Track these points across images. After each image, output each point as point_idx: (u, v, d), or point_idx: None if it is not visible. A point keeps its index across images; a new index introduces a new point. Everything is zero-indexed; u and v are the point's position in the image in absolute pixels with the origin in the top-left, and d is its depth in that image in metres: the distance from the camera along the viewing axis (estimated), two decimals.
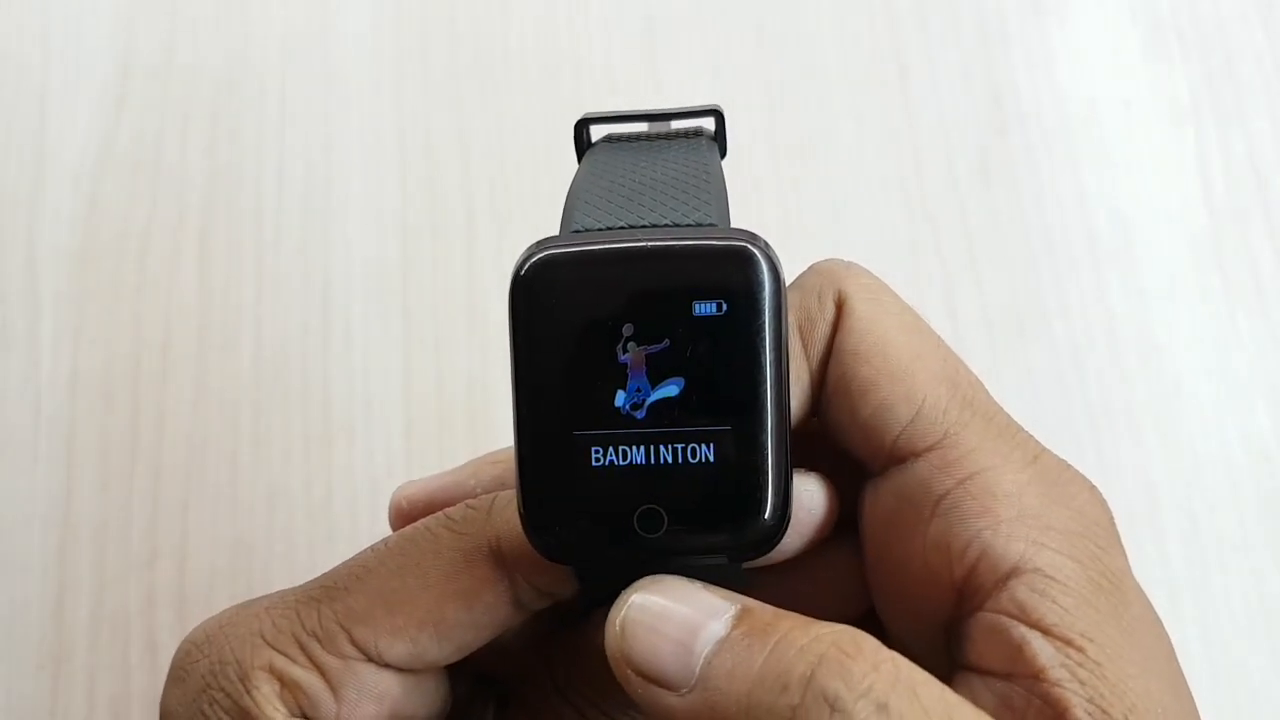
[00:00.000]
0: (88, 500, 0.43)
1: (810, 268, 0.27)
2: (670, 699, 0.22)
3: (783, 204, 0.48)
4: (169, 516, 0.43)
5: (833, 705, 0.20)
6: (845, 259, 0.27)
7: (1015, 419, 0.26)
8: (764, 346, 0.22)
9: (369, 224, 0.47)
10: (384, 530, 0.44)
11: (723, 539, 0.23)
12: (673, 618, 0.22)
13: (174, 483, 0.44)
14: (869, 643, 0.21)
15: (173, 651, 0.43)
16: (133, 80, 0.49)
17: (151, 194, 0.47)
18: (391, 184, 0.48)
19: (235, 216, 0.47)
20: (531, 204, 0.48)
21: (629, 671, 0.22)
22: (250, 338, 0.45)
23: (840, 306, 0.26)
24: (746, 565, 0.24)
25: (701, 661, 0.22)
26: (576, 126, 0.28)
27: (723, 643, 0.22)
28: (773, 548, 0.23)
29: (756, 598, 0.23)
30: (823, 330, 0.26)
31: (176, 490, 0.43)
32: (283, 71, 0.49)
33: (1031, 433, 0.26)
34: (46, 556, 0.43)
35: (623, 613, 0.23)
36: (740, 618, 0.22)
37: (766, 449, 0.23)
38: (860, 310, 0.26)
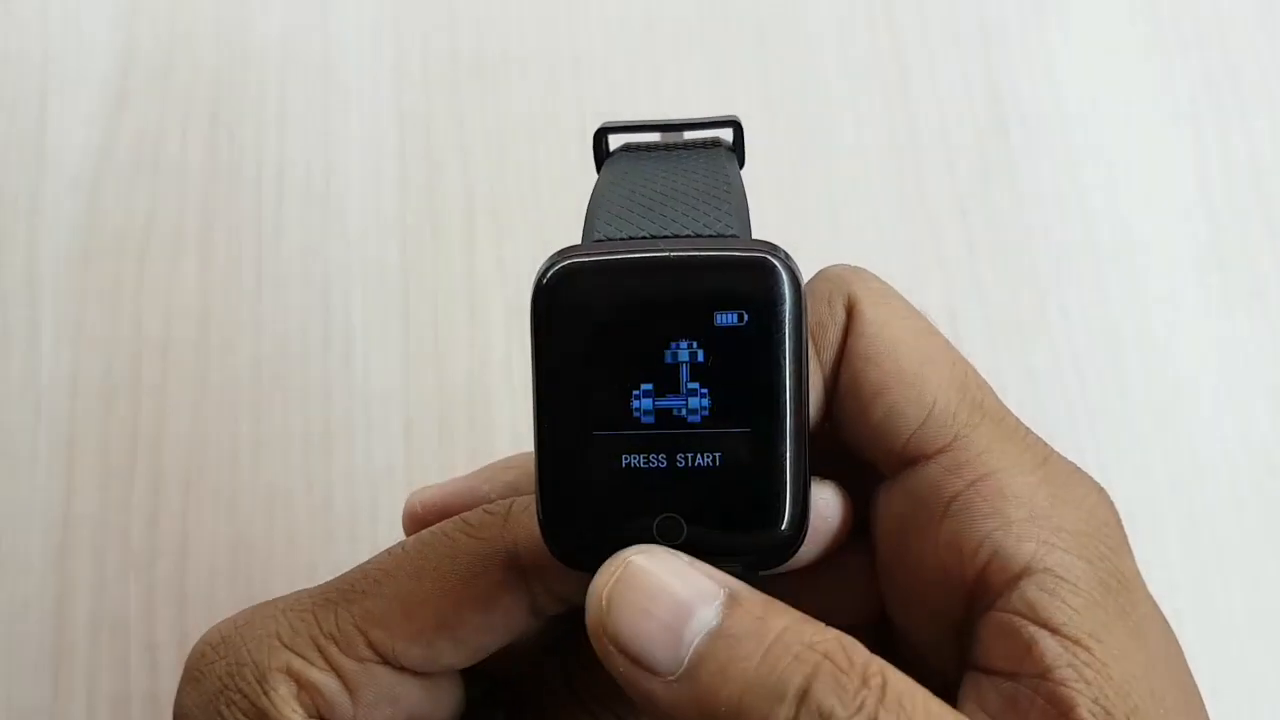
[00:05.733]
0: (88, 500, 0.43)
1: (819, 273, 0.27)
2: (653, 683, 0.22)
3: (783, 204, 0.48)
4: (169, 516, 0.43)
5: None
6: (852, 264, 0.27)
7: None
8: (784, 357, 0.23)
9: (369, 224, 0.47)
10: (384, 530, 0.44)
11: (741, 547, 0.23)
12: (663, 598, 0.22)
13: (174, 483, 0.43)
14: (859, 653, 0.22)
15: (173, 651, 0.43)
16: (133, 80, 0.48)
17: (151, 194, 0.47)
18: (391, 184, 0.48)
19: (235, 216, 0.47)
20: (532, 204, 0.48)
21: (611, 648, 0.22)
22: (250, 338, 0.45)
23: (850, 311, 0.26)
24: (762, 573, 0.24)
25: (690, 651, 0.21)
26: (596, 135, 0.29)
27: (714, 635, 0.21)
28: (790, 556, 0.24)
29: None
30: (834, 335, 0.26)
31: (176, 490, 0.43)
32: (283, 71, 0.49)
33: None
34: (46, 556, 0.42)
35: (610, 585, 0.22)
36: (730, 605, 0.22)
37: (785, 459, 0.23)
38: (870, 314, 0.26)
